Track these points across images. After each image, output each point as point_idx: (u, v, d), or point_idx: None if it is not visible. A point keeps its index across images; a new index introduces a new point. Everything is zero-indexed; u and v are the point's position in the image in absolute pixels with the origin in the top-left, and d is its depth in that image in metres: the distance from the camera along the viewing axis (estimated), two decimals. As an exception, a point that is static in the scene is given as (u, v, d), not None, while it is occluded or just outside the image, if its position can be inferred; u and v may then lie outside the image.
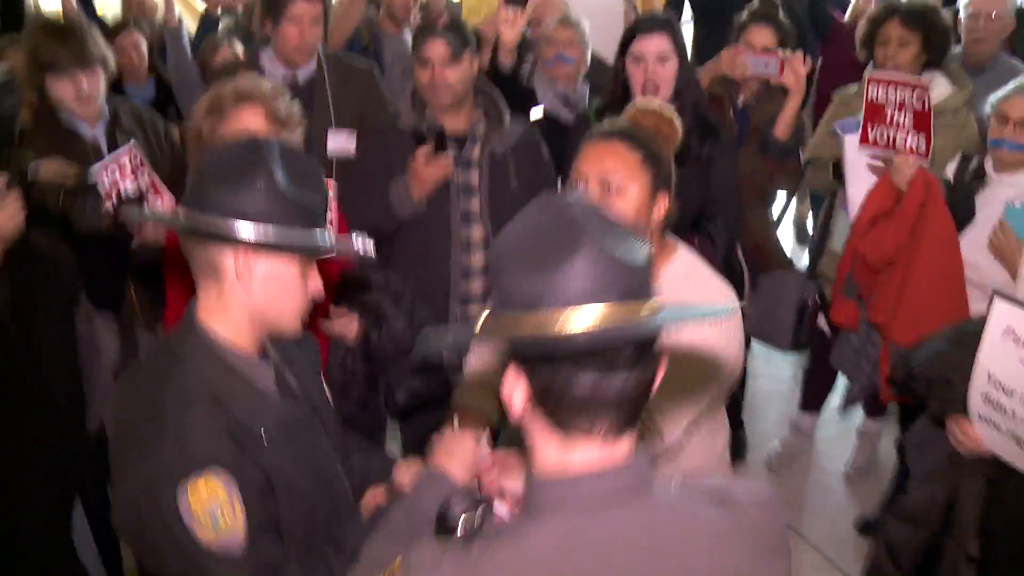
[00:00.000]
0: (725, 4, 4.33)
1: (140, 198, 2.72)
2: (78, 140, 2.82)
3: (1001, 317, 1.71)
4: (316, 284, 1.50)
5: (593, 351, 0.99)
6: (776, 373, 4.60)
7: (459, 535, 1.11)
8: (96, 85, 2.80)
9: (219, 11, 4.64)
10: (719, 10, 4.48)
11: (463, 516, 1.15)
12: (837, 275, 3.04)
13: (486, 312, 1.07)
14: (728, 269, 2.76)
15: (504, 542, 1.05)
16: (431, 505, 1.30)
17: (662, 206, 1.80)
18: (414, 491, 1.48)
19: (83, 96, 2.76)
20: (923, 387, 1.92)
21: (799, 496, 3.72)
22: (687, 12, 5.08)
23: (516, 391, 1.06)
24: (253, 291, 1.44)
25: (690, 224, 2.84)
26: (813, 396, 3.89)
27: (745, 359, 3.58)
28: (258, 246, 1.39)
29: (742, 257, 3.12)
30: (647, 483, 1.07)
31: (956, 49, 3.50)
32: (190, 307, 1.50)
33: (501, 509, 1.44)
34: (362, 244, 1.51)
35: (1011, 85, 2.65)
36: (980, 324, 1.89)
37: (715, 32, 4.18)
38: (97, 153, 2.78)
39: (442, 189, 2.64)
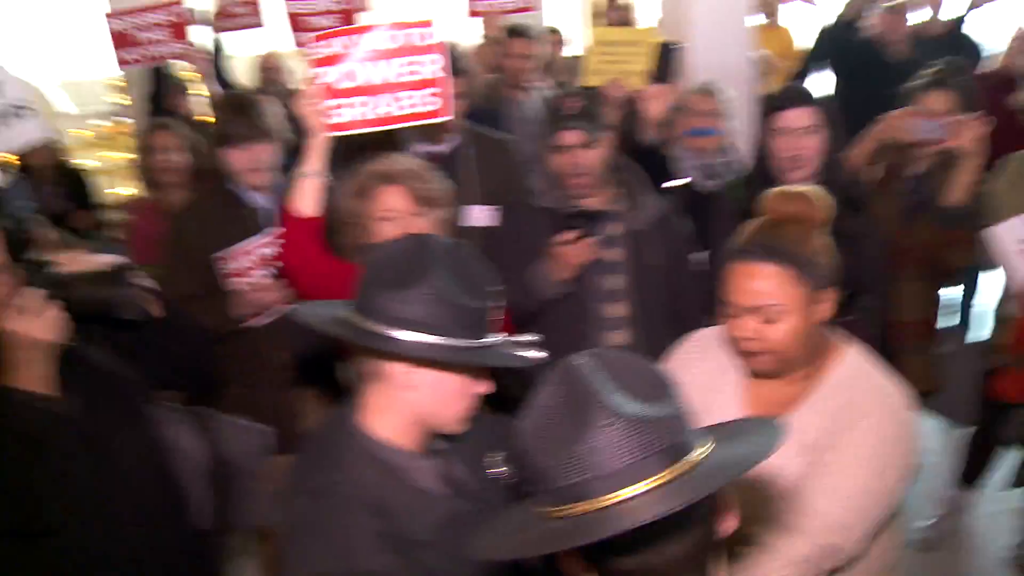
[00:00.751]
0: (874, 67, 4.19)
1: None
2: (241, 206, 2.86)
3: None
4: (486, 383, 1.51)
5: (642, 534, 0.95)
6: (924, 445, 4.34)
7: None
8: (267, 156, 2.84)
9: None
10: (867, 75, 4.34)
11: None
12: (1014, 344, 2.85)
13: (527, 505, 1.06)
14: (883, 347, 2.63)
15: None
16: None
17: (827, 305, 1.72)
18: None
19: (255, 167, 2.82)
20: None
21: (954, 576, 3.47)
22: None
23: (570, 565, 1.06)
24: (421, 394, 1.45)
25: (845, 304, 2.75)
26: (974, 469, 3.64)
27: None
28: (421, 359, 1.41)
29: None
30: None
31: None
32: (347, 407, 1.52)
33: None
34: (530, 354, 1.48)
35: None
36: None
37: (857, 95, 4.05)
38: (255, 220, 2.84)
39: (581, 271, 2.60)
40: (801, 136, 2.67)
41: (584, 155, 2.57)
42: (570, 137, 2.57)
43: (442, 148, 3.07)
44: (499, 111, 4.27)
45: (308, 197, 2.24)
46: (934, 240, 2.95)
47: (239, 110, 2.86)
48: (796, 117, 2.68)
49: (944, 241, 2.92)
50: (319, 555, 1.38)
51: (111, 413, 1.86)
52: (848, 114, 2.96)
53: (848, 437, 1.67)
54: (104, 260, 1.89)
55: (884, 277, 2.90)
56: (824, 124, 2.70)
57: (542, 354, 1.48)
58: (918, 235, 3.01)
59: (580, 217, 2.55)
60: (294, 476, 1.56)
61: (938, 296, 3.28)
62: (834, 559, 1.65)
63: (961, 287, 4.64)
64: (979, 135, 2.80)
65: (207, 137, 3.49)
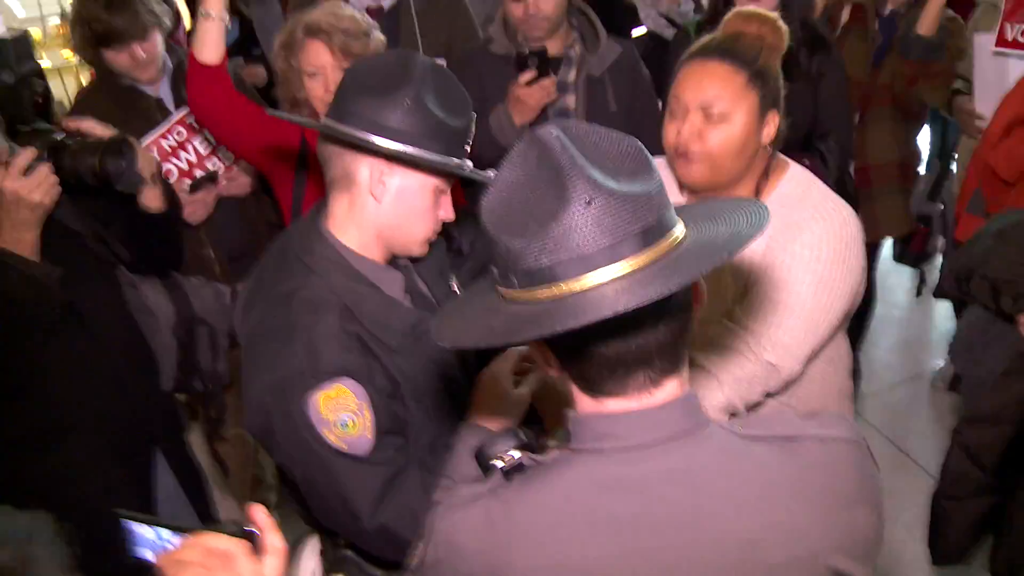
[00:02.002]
0: None
1: (214, 176, 2.70)
2: (141, 98, 2.71)
3: None
4: (448, 209, 1.52)
5: (615, 319, 0.87)
6: (891, 298, 4.40)
7: (498, 472, 1.07)
8: (153, 50, 2.65)
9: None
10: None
11: (501, 453, 1.09)
12: (962, 190, 2.83)
13: (492, 286, 0.99)
14: (841, 189, 2.60)
15: (540, 478, 1.01)
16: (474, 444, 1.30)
17: (772, 126, 1.66)
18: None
19: (141, 65, 2.63)
20: (987, 291, 1.85)
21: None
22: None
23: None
24: (384, 205, 1.45)
25: (800, 143, 2.69)
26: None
27: (873, 283, 3.49)
28: (396, 159, 1.40)
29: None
30: (695, 423, 0.98)
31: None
32: (314, 215, 1.52)
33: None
34: None
35: None
36: (1017, 215, 1.90)
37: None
38: (163, 110, 2.72)
39: (538, 115, 2.56)
40: None
41: (541, 3, 2.50)
42: None
43: (382, 2, 2.95)
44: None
45: (209, 41, 2.19)
46: (902, 75, 2.90)
47: (110, 5, 2.58)
48: None
49: (913, 74, 2.87)
50: (284, 357, 1.39)
51: (85, 276, 1.87)
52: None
53: (786, 254, 1.63)
54: (107, 131, 1.88)
55: (848, 120, 2.85)
56: None
57: None
58: (885, 74, 2.97)
59: (536, 57, 2.49)
60: (256, 285, 1.55)
61: (912, 138, 3.25)
62: (771, 380, 1.62)
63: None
64: None
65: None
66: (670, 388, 0.98)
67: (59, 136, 1.82)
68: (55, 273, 1.76)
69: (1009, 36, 2.57)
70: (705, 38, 1.69)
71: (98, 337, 1.88)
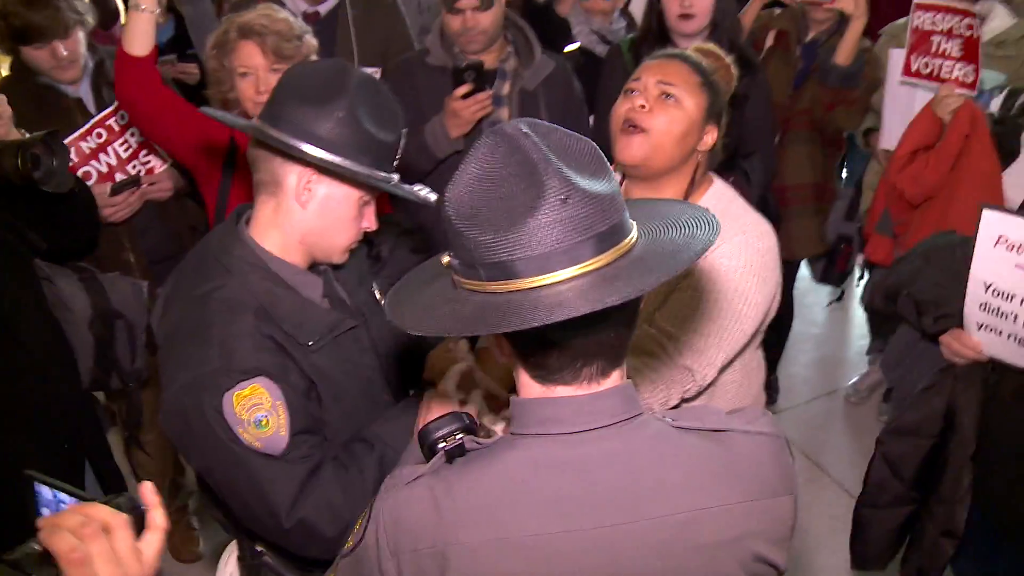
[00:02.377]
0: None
1: (136, 179, 2.65)
2: (60, 98, 2.62)
3: (991, 227, 1.72)
4: (371, 219, 1.54)
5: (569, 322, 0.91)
6: (809, 316, 4.55)
7: (441, 454, 1.10)
8: (75, 48, 2.56)
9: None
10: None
11: (444, 435, 1.12)
12: (871, 211, 2.97)
13: (444, 275, 1.03)
14: (763, 207, 2.69)
15: (483, 460, 1.05)
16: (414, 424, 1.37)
17: (711, 137, 1.75)
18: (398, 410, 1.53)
19: (62, 64, 2.55)
20: (911, 309, 1.93)
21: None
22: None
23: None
24: (309, 212, 1.47)
25: (725, 162, 2.77)
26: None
27: (791, 300, 3.61)
28: (324, 169, 1.42)
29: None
30: (632, 411, 1.04)
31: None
32: (234, 218, 1.53)
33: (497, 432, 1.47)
34: (425, 193, 1.51)
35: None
36: (944, 239, 1.98)
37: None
38: (83, 111, 2.63)
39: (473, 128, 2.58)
40: None
41: (479, 17, 2.54)
42: (466, 2, 2.52)
43: (320, 7, 2.96)
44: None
45: (139, 33, 2.19)
46: (820, 100, 3.01)
47: (30, 1, 2.47)
48: None
49: (829, 101, 2.98)
50: (199, 357, 1.39)
51: (3, 271, 1.82)
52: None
53: (706, 263, 1.69)
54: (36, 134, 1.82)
55: (771, 140, 2.96)
56: None
57: (433, 196, 1.49)
58: (805, 99, 3.08)
59: (471, 70, 2.51)
60: (174, 287, 1.55)
61: (830, 161, 3.36)
62: (686, 383, 1.68)
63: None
64: None
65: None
66: (614, 377, 1.04)
67: None
68: None
69: (914, 67, 2.71)
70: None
71: (21, 335, 1.84)
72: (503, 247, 0.92)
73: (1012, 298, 1.73)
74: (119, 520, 0.90)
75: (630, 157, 1.72)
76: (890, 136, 2.86)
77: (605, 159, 1.00)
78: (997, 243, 1.72)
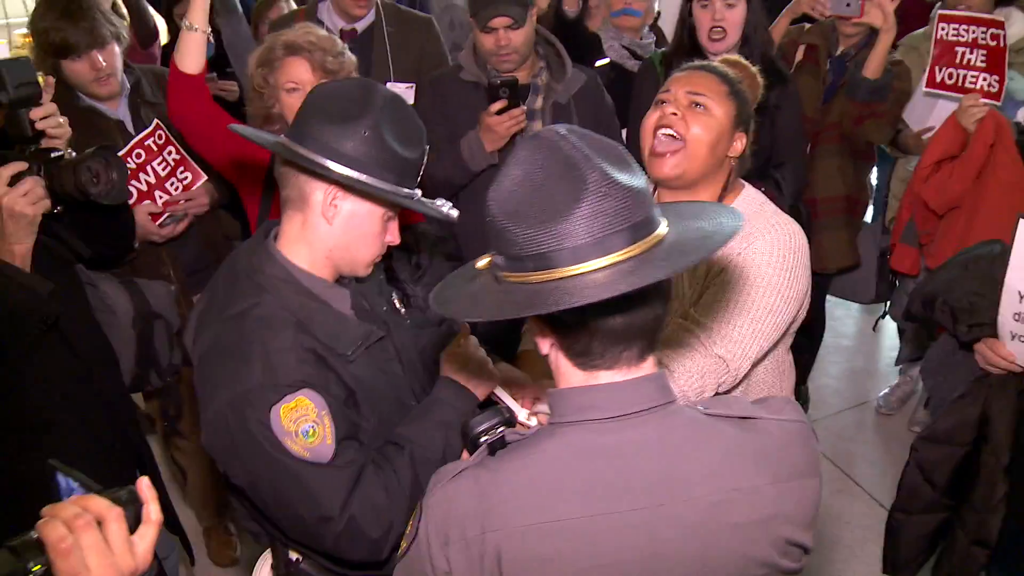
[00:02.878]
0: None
1: (183, 216, 2.73)
2: (101, 119, 2.67)
3: None
4: (394, 235, 1.58)
5: (608, 303, 1.00)
6: (840, 328, 4.55)
7: (484, 447, 1.16)
8: (112, 60, 2.61)
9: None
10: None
11: (486, 430, 1.18)
12: (897, 221, 2.98)
13: (494, 270, 1.09)
14: (795, 215, 2.70)
15: (523, 450, 1.11)
16: (452, 417, 1.45)
17: (740, 143, 1.82)
18: (433, 404, 1.58)
19: (101, 75, 2.59)
20: (948, 317, 1.95)
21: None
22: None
23: (540, 338, 1.12)
24: (335, 227, 1.51)
25: (757, 171, 2.81)
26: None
27: (823, 311, 3.62)
28: (348, 186, 1.46)
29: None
30: (666, 398, 1.11)
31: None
32: (261, 234, 1.58)
33: (532, 424, 1.52)
34: (447, 209, 1.55)
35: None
36: (985, 248, 1.97)
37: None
38: (123, 132, 2.69)
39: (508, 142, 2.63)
40: (724, 8, 2.74)
41: (511, 35, 2.59)
42: (499, 20, 2.57)
43: (356, 25, 3.03)
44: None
45: (192, 52, 2.29)
46: (849, 114, 3.03)
47: (68, 15, 2.53)
48: None
49: (860, 114, 3.00)
50: (242, 373, 1.43)
51: (57, 280, 1.86)
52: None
53: (739, 258, 1.75)
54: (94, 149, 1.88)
55: (802, 151, 2.98)
56: None
57: (455, 212, 1.55)
58: (834, 112, 3.10)
59: (506, 87, 2.57)
60: (207, 306, 1.59)
61: (860, 174, 3.37)
62: (720, 374, 1.71)
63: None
64: (888, 9, 2.84)
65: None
66: (649, 364, 1.11)
67: (53, 153, 1.83)
68: (48, 286, 1.77)
69: (938, 78, 2.73)
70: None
71: (72, 339, 1.90)
72: (547, 239, 1.00)
73: None
74: (113, 513, 0.93)
75: (664, 174, 1.79)
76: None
77: (634, 160, 1.08)
78: None
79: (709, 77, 1.79)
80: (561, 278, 1.00)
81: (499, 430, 1.17)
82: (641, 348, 1.09)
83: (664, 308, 1.10)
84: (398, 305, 1.79)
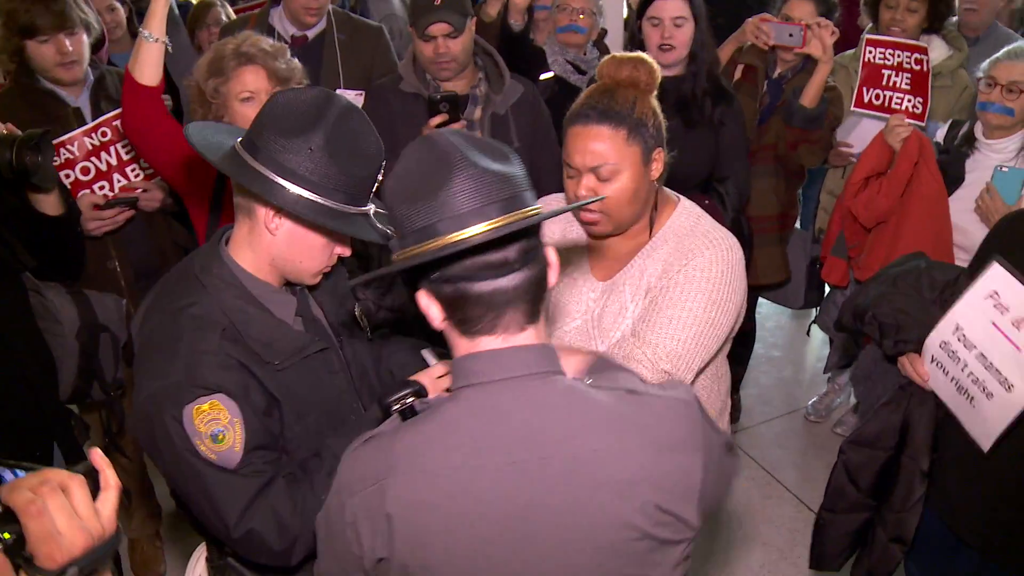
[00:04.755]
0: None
1: (134, 201, 2.68)
2: (59, 105, 2.64)
3: (993, 281, 1.72)
4: (343, 249, 1.58)
5: (484, 264, 1.13)
6: (771, 340, 4.69)
7: (395, 416, 1.26)
8: (79, 47, 2.59)
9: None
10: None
11: (397, 399, 1.30)
12: (827, 234, 3.10)
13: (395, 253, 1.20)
14: (736, 229, 2.79)
15: (427, 415, 1.22)
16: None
17: (658, 163, 1.80)
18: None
19: (67, 60, 2.56)
20: (876, 330, 2.03)
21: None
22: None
23: (431, 309, 1.20)
24: (279, 239, 1.51)
25: (701, 185, 2.90)
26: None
27: (754, 322, 3.74)
28: (290, 214, 1.46)
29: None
30: (549, 368, 1.20)
31: (952, 19, 3.54)
32: (218, 236, 1.58)
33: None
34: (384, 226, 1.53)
35: (1002, 51, 2.69)
36: (911, 262, 2.05)
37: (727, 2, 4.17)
38: (80, 120, 2.66)
39: None
40: (672, 27, 2.83)
41: (450, 44, 2.62)
42: (437, 28, 2.60)
43: (308, 32, 3.05)
44: (363, 6, 4.23)
45: (149, 63, 2.24)
46: (784, 139, 3.14)
47: None
48: (669, 8, 2.83)
49: (794, 140, 3.10)
50: (165, 368, 1.46)
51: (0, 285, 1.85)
52: (717, 15, 3.08)
53: (680, 275, 1.81)
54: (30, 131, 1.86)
55: (745, 166, 3.06)
56: (694, 18, 2.86)
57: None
58: (770, 134, 3.20)
59: (446, 102, 2.59)
60: (155, 297, 1.61)
61: (792, 191, 3.48)
62: None
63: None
64: (828, 42, 2.94)
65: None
66: (530, 334, 1.20)
67: None
68: None
69: (865, 98, 2.87)
70: (583, 95, 1.81)
71: (7, 342, 1.89)
72: (425, 214, 1.13)
73: (972, 349, 1.77)
74: (75, 480, 0.96)
75: (598, 232, 1.86)
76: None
77: (514, 155, 1.20)
78: (988, 296, 1.73)
79: (602, 132, 1.73)
80: (444, 244, 1.12)
81: (409, 400, 1.30)
82: (518, 316, 1.18)
83: (539, 280, 1.19)
84: (359, 317, 1.79)
